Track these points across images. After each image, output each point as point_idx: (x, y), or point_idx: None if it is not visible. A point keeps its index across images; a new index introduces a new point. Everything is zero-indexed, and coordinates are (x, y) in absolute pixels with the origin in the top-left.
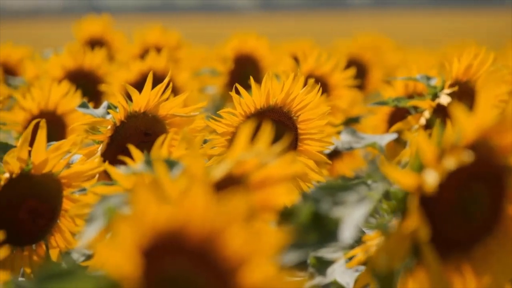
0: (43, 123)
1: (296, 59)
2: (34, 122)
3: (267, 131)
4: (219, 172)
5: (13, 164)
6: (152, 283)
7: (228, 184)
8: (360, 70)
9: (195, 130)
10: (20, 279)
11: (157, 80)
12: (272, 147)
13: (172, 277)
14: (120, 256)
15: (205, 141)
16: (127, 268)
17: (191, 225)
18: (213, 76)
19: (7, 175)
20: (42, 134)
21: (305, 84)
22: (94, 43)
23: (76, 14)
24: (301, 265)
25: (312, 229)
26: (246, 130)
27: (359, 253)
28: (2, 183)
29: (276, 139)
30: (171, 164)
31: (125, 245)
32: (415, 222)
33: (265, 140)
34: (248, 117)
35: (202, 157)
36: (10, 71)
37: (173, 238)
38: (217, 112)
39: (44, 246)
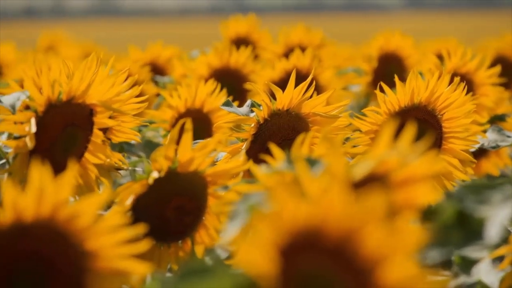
0: (189, 122)
1: (440, 57)
2: (181, 121)
3: (410, 129)
4: (360, 171)
5: (160, 162)
6: (289, 281)
7: (369, 182)
8: (509, 69)
9: (337, 128)
10: (168, 274)
11: (301, 79)
12: (415, 146)
13: (309, 276)
14: (258, 255)
15: (347, 139)
16: (265, 266)
17: (329, 224)
18: (358, 75)
19: (155, 173)
20: (188, 133)
21: (450, 82)
22: (241, 42)
23: (224, 14)
24: (445, 265)
25: (456, 228)
26: (388, 129)
27: (508, 254)
28: (150, 181)
29: (420, 137)
30: (312, 162)
31: (264, 244)
32: None
33: (408, 139)
34: (392, 115)
35: (343, 155)
36: (158, 70)
37: (311, 236)
38: (361, 111)
39: (189, 243)
